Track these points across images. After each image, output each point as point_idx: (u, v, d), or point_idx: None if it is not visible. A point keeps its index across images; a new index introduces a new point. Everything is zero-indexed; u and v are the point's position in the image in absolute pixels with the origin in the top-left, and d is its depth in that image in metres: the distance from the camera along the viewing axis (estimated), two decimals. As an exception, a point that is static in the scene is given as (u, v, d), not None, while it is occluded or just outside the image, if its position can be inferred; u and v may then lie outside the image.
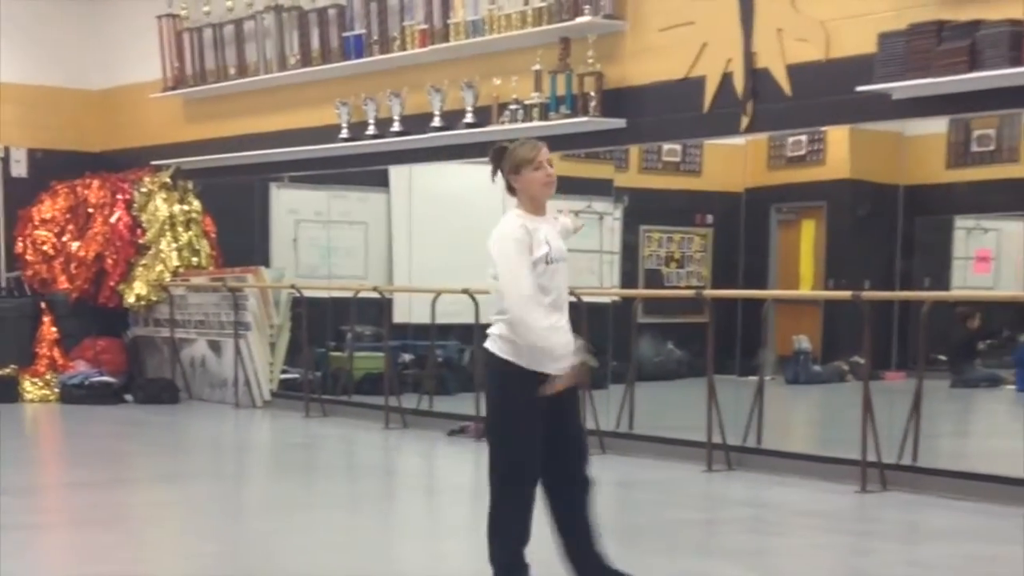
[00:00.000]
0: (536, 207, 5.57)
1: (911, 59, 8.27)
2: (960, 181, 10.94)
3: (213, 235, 14.51)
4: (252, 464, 11.10)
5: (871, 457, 8.53)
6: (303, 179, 13.64)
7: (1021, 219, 11.64)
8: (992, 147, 10.81)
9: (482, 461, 10.36)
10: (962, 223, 11.50)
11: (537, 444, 5.48)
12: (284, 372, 13.61)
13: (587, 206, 12.49)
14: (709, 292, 10.11)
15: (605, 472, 9.71)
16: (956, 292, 11.32)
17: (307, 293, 13.11)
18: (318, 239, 13.89)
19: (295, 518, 7.85)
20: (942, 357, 11.91)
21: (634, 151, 11.46)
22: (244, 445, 12.03)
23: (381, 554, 6.98)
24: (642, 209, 12.04)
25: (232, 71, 13.55)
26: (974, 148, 10.67)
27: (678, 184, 11.88)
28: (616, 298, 11.49)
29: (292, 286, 13.23)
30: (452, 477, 10.06)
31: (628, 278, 12.16)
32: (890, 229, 9.29)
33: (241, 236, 14.04)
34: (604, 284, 12.02)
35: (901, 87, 8.39)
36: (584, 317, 10.16)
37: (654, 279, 12.40)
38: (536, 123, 10.62)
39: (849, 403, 8.94)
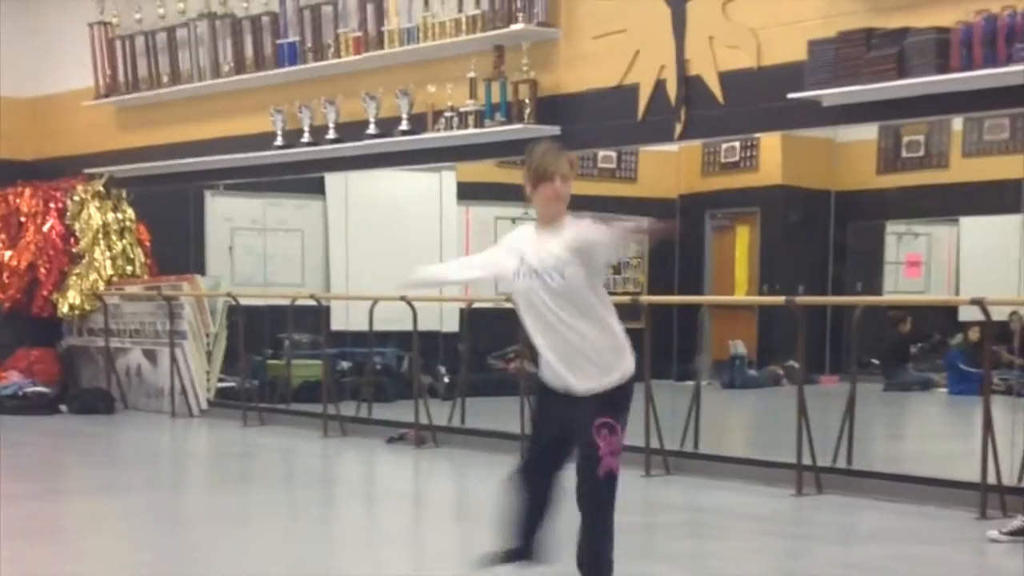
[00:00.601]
0: (541, 218, 5.36)
1: (840, 66, 8.35)
2: (891, 187, 11.11)
3: (148, 243, 14.42)
4: (189, 474, 11.04)
5: (806, 461, 8.63)
6: (238, 187, 13.60)
7: (951, 224, 11.84)
8: (921, 153, 10.98)
9: (421, 467, 10.44)
10: (893, 228, 11.67)
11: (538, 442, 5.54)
12: (221, 381, 13.55)
13: (524, 213, 12.55)
14: (646, 298, 10.17)
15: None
16: (888, 297, 11.48)
17: (243, 301, 13.08)
18: (254, 247, 13.84)
19: (233, 528, 7.83)
20: (875, 361, 12.07)
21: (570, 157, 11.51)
22: (181, 455, 11.97)
23: (321, 563, 6.96)
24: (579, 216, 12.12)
25: (165, 79, 13.47)
26: (904, 154, 10.84)
27: (614, 191, 11.95)
28: (553, 304, 11.50)
29: (228, 294, 13.18)
30: (392, 484, 10.05)
31: (563, 284, 12.23)
32: (823, 234, 9.40)
33: (176, 244, 13.96)
34: (541, 290, 12.07)
35: (831, 94, 8.47)
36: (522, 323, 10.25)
37: (591, 285, 12.49)
38: (471, 130, 10.66)
39: (784, 407, 9.04)
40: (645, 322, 9.61)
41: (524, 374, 10.39)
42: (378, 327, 11.76)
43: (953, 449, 9.99)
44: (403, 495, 9.51)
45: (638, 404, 9.38)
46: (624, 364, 5.25)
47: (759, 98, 9.06)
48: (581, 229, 5.21)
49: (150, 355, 13.87)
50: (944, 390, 12.61)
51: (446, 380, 12.52)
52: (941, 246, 11.98)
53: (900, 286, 11.89)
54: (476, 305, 11.70)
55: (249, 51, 12.53)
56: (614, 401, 5.25)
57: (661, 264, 11.72)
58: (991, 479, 7.81)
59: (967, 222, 11.90)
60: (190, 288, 13.47)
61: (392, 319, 11.67)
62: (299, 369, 13.13)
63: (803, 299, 9.19)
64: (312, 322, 12.88)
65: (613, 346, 5.25)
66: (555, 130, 10.28)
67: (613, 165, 11.98)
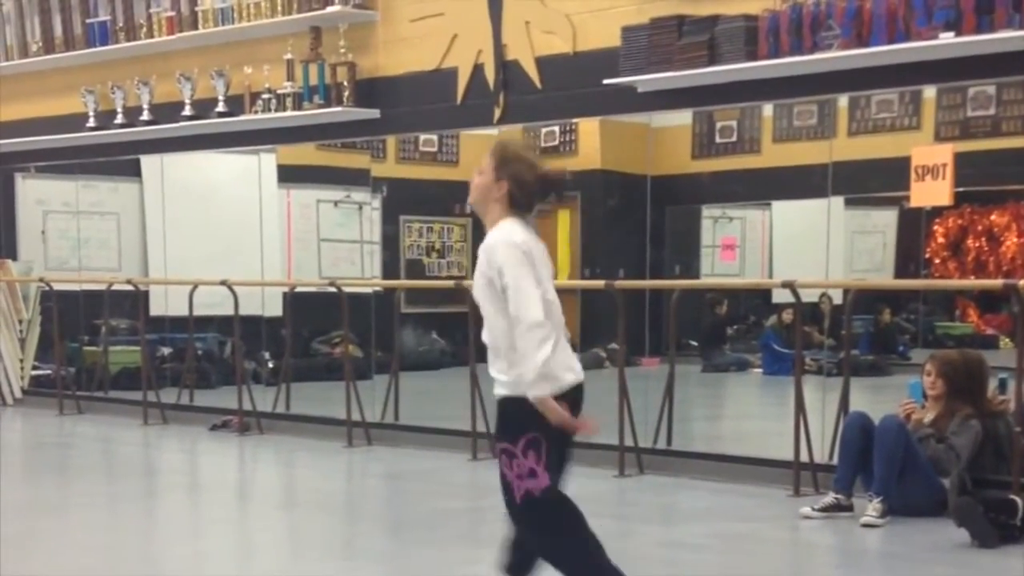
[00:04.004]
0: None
1: (654, 53, 8.49)
2: (705, 171, 11.34)
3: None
4: (3, 465, 10.74)
5: (628, 442, 8.80)
6: (51, 169, 13.26)
7: (763, 208, 12.14)
8: (734, 138, 11.23)
9: (246, 455, 10.35)
10: (708, 212, 11.93)
11: None
12: (35, 368, 13.24)
13: (346, 195, 12.54)
14: (469, 282, 10.21)
15: (371, 463, 9.83)
16: (704, 280, 11.72)
17: (57, 286, 12.80)
18: (68, 230, 13.52)
19: (50, 520, 7.67)
20: (693, 343, 12.34)
21: (391, 141, 11.52)
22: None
23: (141, 555, 6.88)
24: (401, 199, 12.12)
25: (-28, 58, 13.07)
26: (717, 139, 11.08)
27: (436, 174, 11.98)
28: (378, 288, 11.53)
29: (41, 279, 12.87)
30: (215, 472, 9.95)
31: (389, 268, 12.23)
32: (641, 218, 9.55)
33: (-15, 228, 13.58)
34: (365, 274, 12.06)
35: (645, 80, 8.60)
36: (346, 308, 10.24)
37: (415, 269, 12.51)
38: (290, 112, 10.58)
39: (607, 389, 9.16)
40: (469, 306, 9.66)
41: (349, 359, 10.39)
42: (198, 312, 11.61)
43: (768, 428, 10.25)
44: (227, 483, 9.42)
45: (464, 388, 9.50)
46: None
47: (576, 83, 9.15)
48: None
49: (-40, 343, 13.47)
50: (759, 370, 12.95)
51: (270, 365, 12.42)
52: (755, 230, 12.28)
53: (716, 269, 12.15)
54: (299, 289, 11.64)
55: (58, 30, 12.22)
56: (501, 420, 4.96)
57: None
58: (804, 457, 8.07)
59: (779, 206, 12.23)
60: (1, 273, 13.11)
61: (213, 303, 11.53)
62: (117, 356, 12.90)
63: (622, 283, 9.34)
64: (130, 307, 12.66)
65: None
66: (375, 113, 10.28)
67: (435, 148, 12.01)
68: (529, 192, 4.90)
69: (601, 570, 5.04)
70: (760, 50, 8.05)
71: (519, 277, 4.74)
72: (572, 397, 4.82)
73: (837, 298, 11.17)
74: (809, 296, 10.47)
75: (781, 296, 10.64)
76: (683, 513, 7.98)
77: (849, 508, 7.32)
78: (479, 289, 4.87)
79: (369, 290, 11.45)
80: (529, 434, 4.77)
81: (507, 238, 4.81)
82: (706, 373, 12.72)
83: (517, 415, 4.80)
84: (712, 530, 7.22)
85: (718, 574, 6.35)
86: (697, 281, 11.24)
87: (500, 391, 4.87)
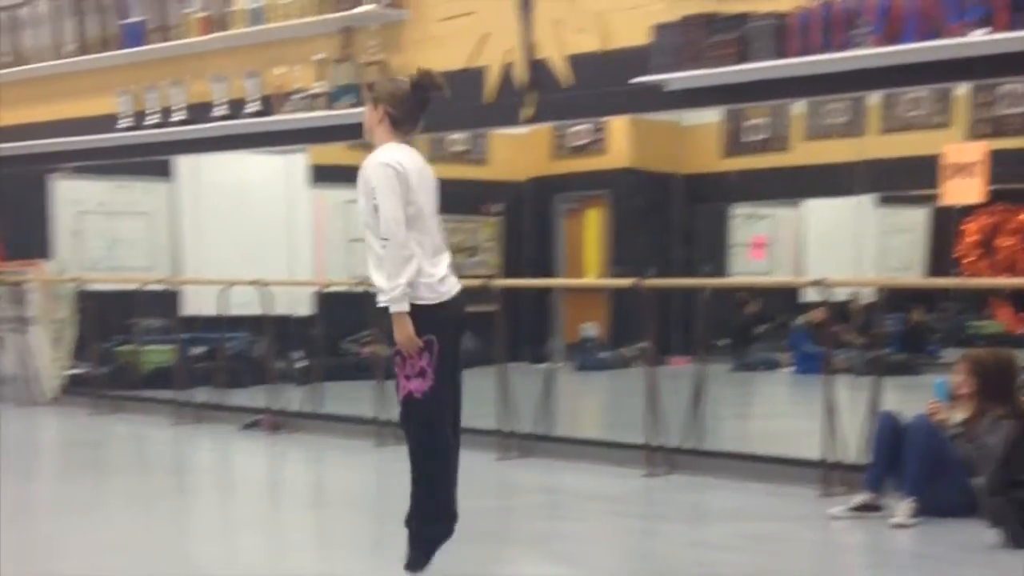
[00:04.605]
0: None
1: (683, 51, 8.45)
2: (734, 170, 11.29)
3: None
4: (38, 463, 10.83)
5: (657, 441, 8.79)
6: (85, 170, 13.34)
7: (793, 206, 12.07)
8: (764, 136, 11.18)
9: (276, 454, 10.40)
10: (738, 210, 11.87)
11: None
12: (71, 368, 13.32)
13: (375, 196, 12.55)
14: (498, 281, 10.23)
15: (400, 463, 9.76)
16: (734, 279, 11.66)
17: (92, 286, 12.86)
18: (102, 231, 13.60)
19: (85, 518, 7.72)
20: (723, 342, 12.28)
21: (420, 140, 11.49)
22: (29, 444, 11.71)
23: (174, 553, 6.90)
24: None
25: (8, 59, 13.16)
26: (748, 137, 11.03)
27: (465, 173, 11.96)
28: (408, 287, 11.50)
29: (76, 279, 12.95)
30: (246, 471, 10.00)
31: (419, 268, 12.24)
32: (670, 217, 9.54)
33: (21, 229, 13.66)
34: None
35: (674, 78, 8.56)
36: (376, 307, 10.25)
37: (445, 268, 12.50)
38: (321, 112, 10.59)
39: (636, 389, 9.16)
40: (499, 305, 9.67)
41: (379, 359, 10.40)
42: (230, 311, 11.66)
43: (798, 428, 10.21)
44: (258, 482, 9.46)
45: (492, 388, 9.51)
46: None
47: (605, 82, 9.12)
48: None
49: (-5, 342, 13.58)
50: (789, 370, 12.87)
51: (300, 365, 12.47)
52: (785, 228, 12.22)
53: (746, 268, 12.10)
54: (330, 289, 11.67)
55: (93, 31, 12.30)
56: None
57: (514, 247, 11.77)
58: (833, 457, 8.04)
59: (809, 204, 12.15)
60: (36, 274, 13.21)
61: (244, 303, 11.58)
62: (150, 355, 12.96)
63: (652, 282, 9.32)
64: (163, 307, 12.72)
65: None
66: (405, 113, 10.25)
67: (464, 148, 12.00)
68: (405, 104, 5.52)
69: (434, 488, 5.64)
70: (790, 47, 8.01)
71: (385, 198, 5.27)
72: (452, 308, 5.45)
73: (867, 297, 11.12)
74: (840, 295, 10.42)
75: (811, 295, 10.62)
76: (712, 513, 7.97)
77: (879, 508, 7.29)
78: (362, 210, 5.40)
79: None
80: (423, 337, 5.35)
81: (379, 158, 5.36)
82: (735, 372, 12.66)
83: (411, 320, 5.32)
84: (741, 530, 7.19)
85: (747, 574, 6.33)
86: (727, 280, 11.20)
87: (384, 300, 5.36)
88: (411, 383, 5.45)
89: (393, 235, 5.28)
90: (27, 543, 7.13)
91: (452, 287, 5.50)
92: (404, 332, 5.33)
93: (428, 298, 5.40)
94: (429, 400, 5.49)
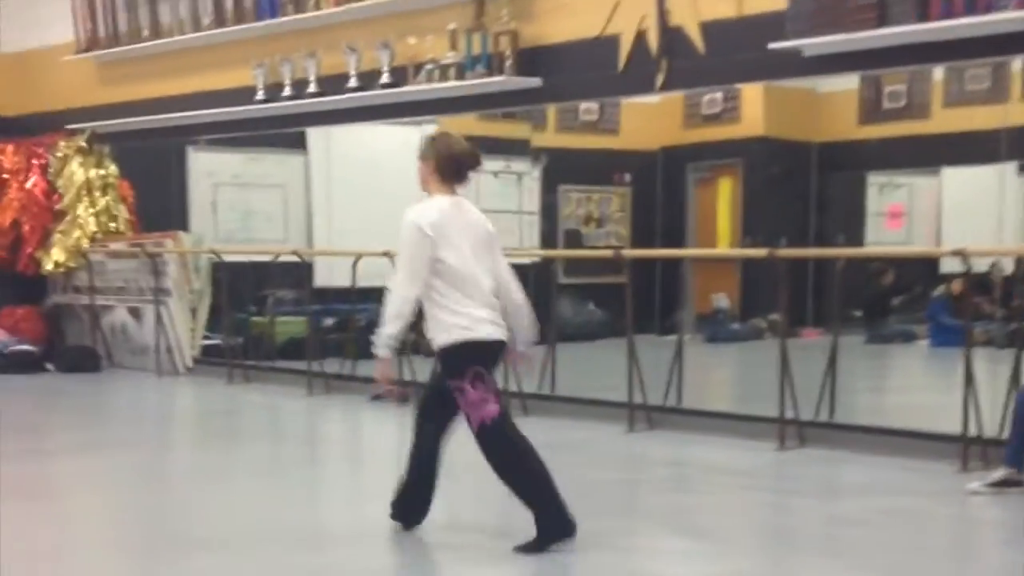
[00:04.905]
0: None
1: (821, 15, 8.26)
2: (872, 137, 11.03)
3: (131, 200, 14.34)
4: (175, 432, 11.04)
5: (789, 415, 8.64)
6: (220, 142, 13.51)
7: (932, 174, 11.75)
8: (903, 103, 10.89)
9: (404, 425, 10.39)
10: (875, 179, 11.59)
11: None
12: (206, 338, 13.52)
13: (506, 166, 12.51)
14: (628, 252, 10.14)
15: (528, 434, 9.75)
16: (870, 248, 11.40)
17: (227, 258, 13.03)
18: (236, 202, 13.77)
19: (218, 485, 7.83)
20: (857, 313, 12.02)
21: (551, 110, 11.45)
22: (166, 413, 11.96)
23: (305, 519, 6.97)
24: (560, 168, 12.02)
25: (146, 32, 13.35)
26: (886, 104, 10.77)
27: (596, 143, 11.85)
28: (536, 259, 11.48)
29: (211, 251, 13.13)
30: (375, 442, 10.06)
31: (547, 238, 12.16)
32: (804, 186, 9.36)
33: (159, 200, 13.90)
34: (523, 245, 12.02)
35: (812, 44, 8.39)
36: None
37: (574, 239, 12.41)
38: (452, 83, 10.58)
39: (767, 361, 9.02)
40: (628, 276, 9.59)
41: (507, 331, 10.35)
42: (361, 283, 11.71)
43: (935, 401, 9.98)
44: (386, 452, 9.49)
45: (621, 359, 9.44)
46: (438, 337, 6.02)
47: (740, 48, 8.97)
48: None
49: (135, 312, 13.83)
50: (926, 342, 12.57)
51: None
52: (923, 197, 11.91)
53: (882, 237, 11.83)
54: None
55: (229, 4, 12.42)
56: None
57: (644, 217, 11.65)
58: (972, 431, 7.82)
59: (949, 172, 11.84)
60: (173, 245, 13.42)
61: (375, 274, 11.58)
62: (283, 326, 13.10)
63: (785, 252, 9.16)
64: (295, 278, 12.85)
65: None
66: (536, 82, 10.22)
67: (595, 117, 11.89)
68: (455, 160, 6.01)
69: (542, 494, 5.97)
70: (932, 11, 7.79)
71: (402, 254, 5.92)
72: (491, 350, 6.00)
73: (1009, 267, 10.79)
74: (980, 265, 10.12)
75: (950, 265, 10.34)
76: (845, 487, 7.82)
77: (1020, 484, 7.08)
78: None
79: (527, 260, 11.43)
80: (472, 368, 5.91)
81: (412, 217, 5.90)
82: (870, 344, 12.40)
83: (455, 358, 5.94)
84: (875, 505, 7.03)
85: (880, 549, 6.17)
86: (862, 250, 10.95)
87: (436, 342, 6.03)
88: (479, 412, 5.97)
89: (397, 289, 5.93)
90: (166, 508, 7.26)
91: (491, 333, 5.98)
92: (383, 371, 6.12)
93: (482, 335, 5.95)
94: (501, 423, 6.05)
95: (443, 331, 5.97)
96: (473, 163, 6.10)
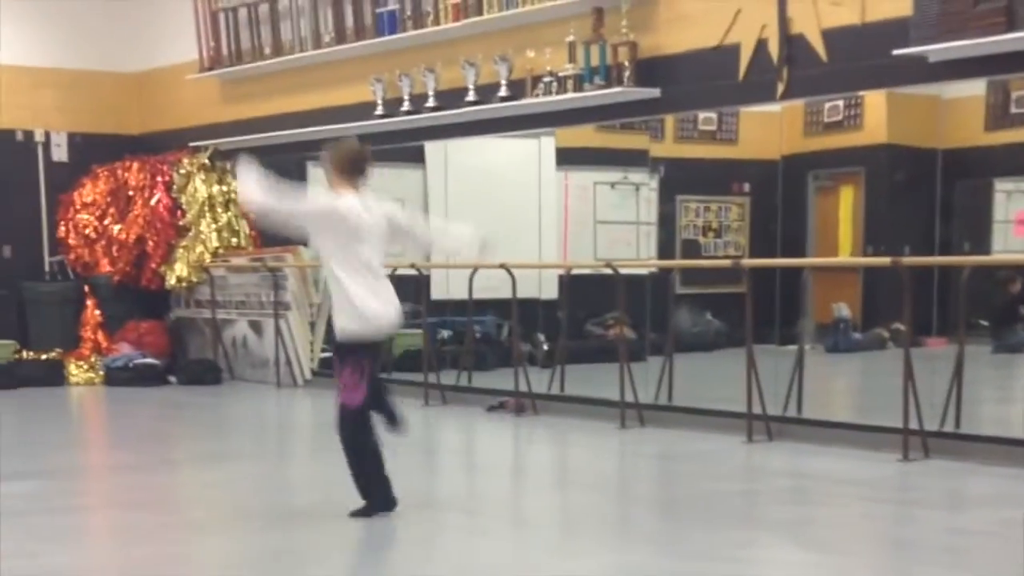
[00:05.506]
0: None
1: (947, 21, 8.13)
2: (999, 143, 10.76)
3: (252, 215, 14.51)
4: (294, 443, 11.14)
5: (913, 425, 8.45)
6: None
7: (1064, 181, 11.44)
8: (1032, 108, 10.62)
9: (521, 435, 10.43)
10: (1002, 186, 11.29)
11: None
12: (324, 351, 13.61)
13: (623, 177, 12.47)
14: (747, 261, 10.03)
15: (645, 445, 9.76)
16: (997, 256, 11.13)
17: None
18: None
19: (337, 495, 7.84)
20: (983, 322, 11.74)
21: (669, 120, 11.36)
22: (286, 424, 12.08)
23: (418, 524, 6.97)
24: (678, 179, 11.92)
25: (267, 50, 13.57)
26: (1013, 109, 10.50)
27: (714, 153, 11.74)
28: (653, 269, 11.42)
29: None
30: (492, 452, 10.06)
31: (665, 249, 12.06)
32: (929, 194, 9.17)
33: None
34: (641, 255, 11.95)
35: (937, 49, 8.25)
36: (622, 289, 10.21)
37: (691, 249, 12.27)
38: (570, 95, 10.58)
39: (890, 371, 8.85)
40: (747, 286, 9.48)
41: (623, 341, 10.32)
42: (477, 295, 11.73)
43: (1066, 413, 9.72)
44: (503, 462, 9.50)
45: (739, 370, 9.34)
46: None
47: (863, 55, 8.87)
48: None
49: (255, 326, 14.00)
50: (1056, 353, 12.27)
51: (545, 347, 12.49)
52: (1053, 204, 11.63)
53: (1009, 245, 11.54)
54: (575, 271, 11.63)
55: (349, 21, 12.58)
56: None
57: (763, 227, 11.52)
58: (1106, 444, 7.61)
59: (1080, 179, 11.55)
60: (293, 259, 13.56)
61: (491, 287, 11.64)
62: (400, 338, 13.12)
63: (909, 260, 9.00)
64: (413, 291, 12.88)
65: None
66: (655, 92, 10.18)
67: (714, 127, 11.77)
68: (347, 159, 6.87)
69: (370, 480, 7.05)
70: (1063, 14, 7.63)
71: (307, 195, 7.07)
72: (378, 344, 7.10)
73: None
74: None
75: (1083, 274, 10.08)
76: (970, 499, 7.64)
77: None
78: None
79: (644, 271, 11.37)
80: (360, 358, 6.86)
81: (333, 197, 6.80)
82: (997, 354, 12.10)
83: (350, 346, 6.86)
84: (1000, 517, 6.84)
85: (1006, 562, 6.00)
86: (991, 258, 10.71)
87: (337, 326, 6.96)
88: (344, 395, 7.03)
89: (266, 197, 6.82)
90: (284, 518, 7.28)
91: (387, 319, 6.87)
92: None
93: (364, 334, 6.79)
94: (358, 412, 7.12)
95: (347, 320, 6.78)
96: (363, 158, 6.90)
